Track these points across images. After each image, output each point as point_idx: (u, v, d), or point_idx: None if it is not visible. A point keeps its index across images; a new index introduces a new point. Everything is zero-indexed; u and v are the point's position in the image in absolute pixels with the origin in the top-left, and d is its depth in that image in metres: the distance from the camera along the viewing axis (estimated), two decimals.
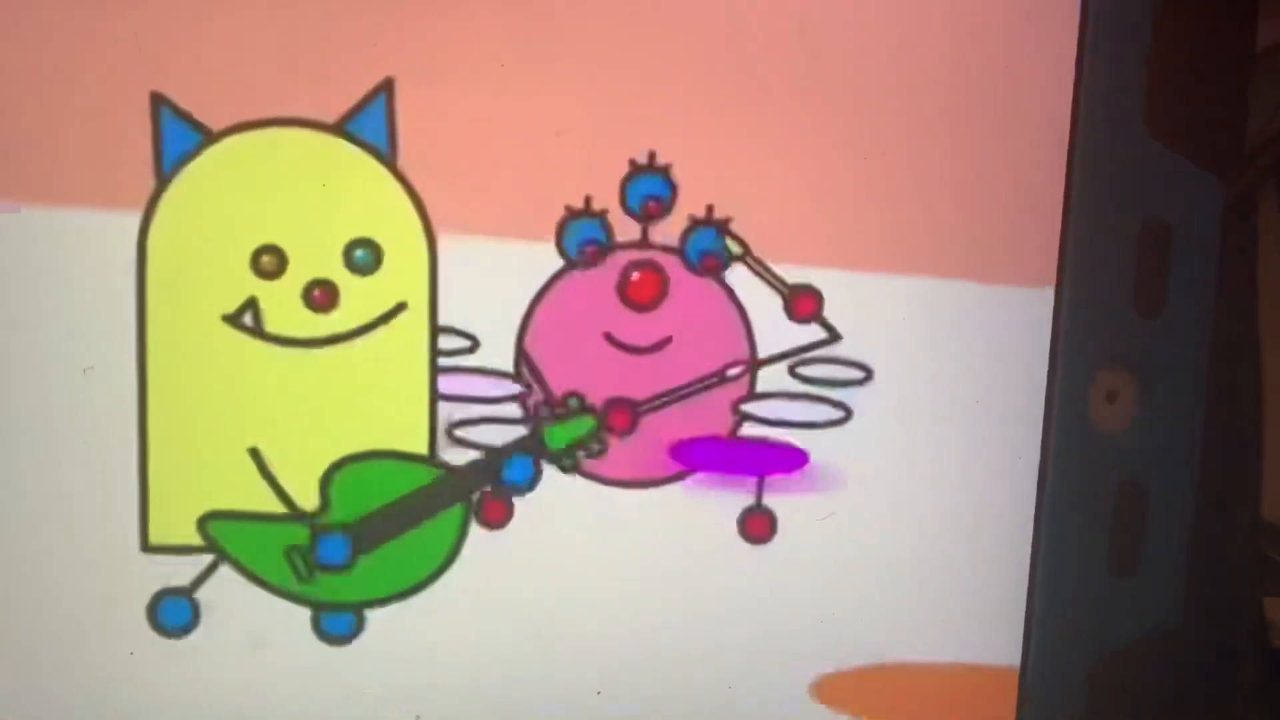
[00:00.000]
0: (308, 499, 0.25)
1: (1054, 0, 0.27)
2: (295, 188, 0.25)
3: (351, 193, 0.25)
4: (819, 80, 0.27)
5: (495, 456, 0.25)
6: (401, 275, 0.25)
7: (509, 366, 0.25)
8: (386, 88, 0.25)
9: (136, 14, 0.24)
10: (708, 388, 0.26)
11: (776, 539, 0.27)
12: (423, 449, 0.25)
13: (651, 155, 0.26)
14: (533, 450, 0.25)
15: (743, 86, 0.26)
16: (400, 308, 0.25)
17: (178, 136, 0.24)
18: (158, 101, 0.24)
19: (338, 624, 0.26)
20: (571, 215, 0.26)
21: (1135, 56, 0.27)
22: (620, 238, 0.26)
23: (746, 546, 0.26)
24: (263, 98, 0.24)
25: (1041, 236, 0.27)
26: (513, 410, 0.25)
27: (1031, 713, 0.28)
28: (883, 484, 0.27)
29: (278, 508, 0.25)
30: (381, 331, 0.25)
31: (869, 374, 0.27)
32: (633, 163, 0.26)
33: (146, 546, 0.25)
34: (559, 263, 0.26)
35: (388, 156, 0.25)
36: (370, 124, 0.24)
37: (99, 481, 0.25)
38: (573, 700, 0.26)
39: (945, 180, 0.27)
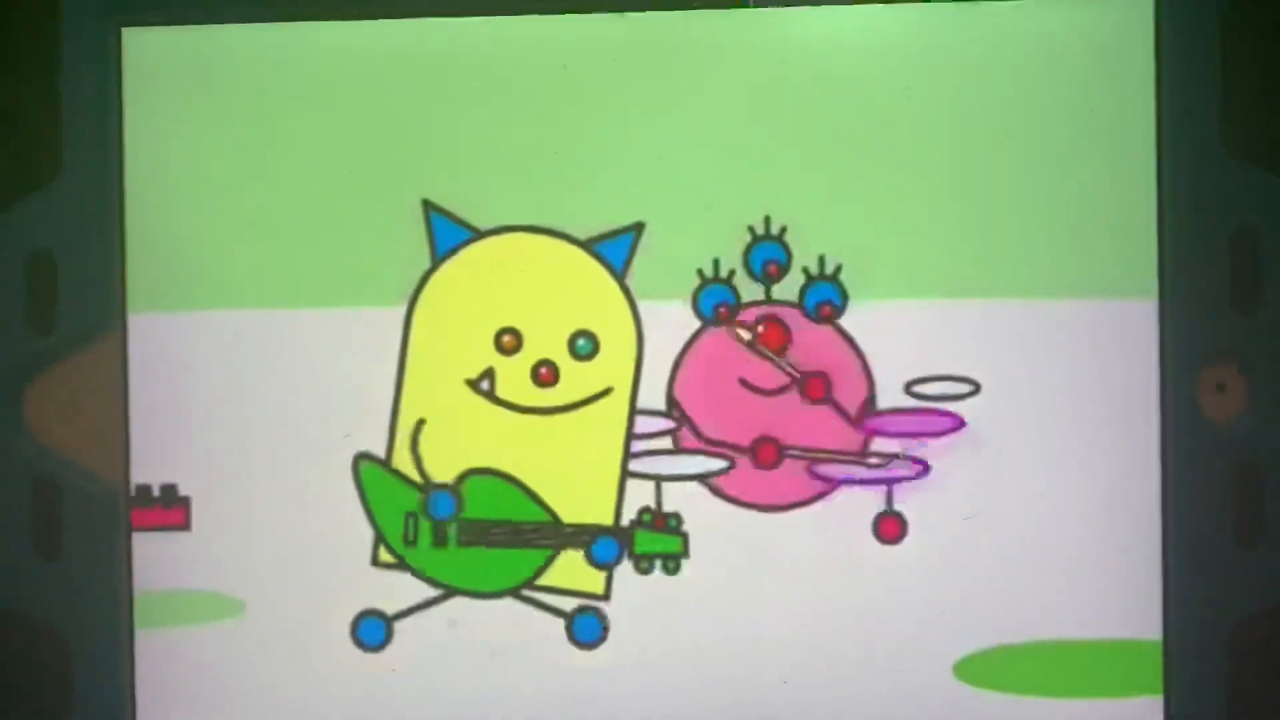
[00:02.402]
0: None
1: (1129, 34, 0.30)
2: (539, 283, 0.31)
3: (585, 295, 0.31)
4: (916, 131, 0.31)
5: (592, 533, 0.31)
6: (612, 364, 0.31)
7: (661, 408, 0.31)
8: (638, 229, 0.31)
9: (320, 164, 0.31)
10: (848, 461, 0.31)
11: (907, 539, 0.31)
12: (613, 487, 0.31)
13: (767, 220, 0.31)
14: (623, 539, 0.31)
15: (845, 144, 0.30)
16: (607, 391, 0.31)
17: (449, 232, 0.31)
18: (427, 207, 0.31)
19: (589, 628, 0.31)
20: (704, 281, 0.31)
21: (1205, 78, 0.30)
22: (746, 297, 0.31)
23: (881, 547, 0.31)
24: (526, 207, 0.31)
25: (1135, 252, 0.30)
26: (666, 444, 0.31)
27: (1177, 679, 0.30)
28: (998, 483, 0.30)
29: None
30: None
31: (977, 387, 0.30)
32: (752, 230, 0.31)
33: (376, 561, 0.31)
34: (696, 323, 0.31)
35: (620, 275, 0.31)
36: (615, 250, 0.31)
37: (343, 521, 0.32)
38: (759, 688, 0.31)
39: (1041, 209, 0.30)
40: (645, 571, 0.31)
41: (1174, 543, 0.30)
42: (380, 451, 0.31)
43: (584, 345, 0.31)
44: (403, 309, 0.31)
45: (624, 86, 0.31)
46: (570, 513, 0.31)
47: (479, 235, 0.31)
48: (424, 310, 0.31)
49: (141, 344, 0.31)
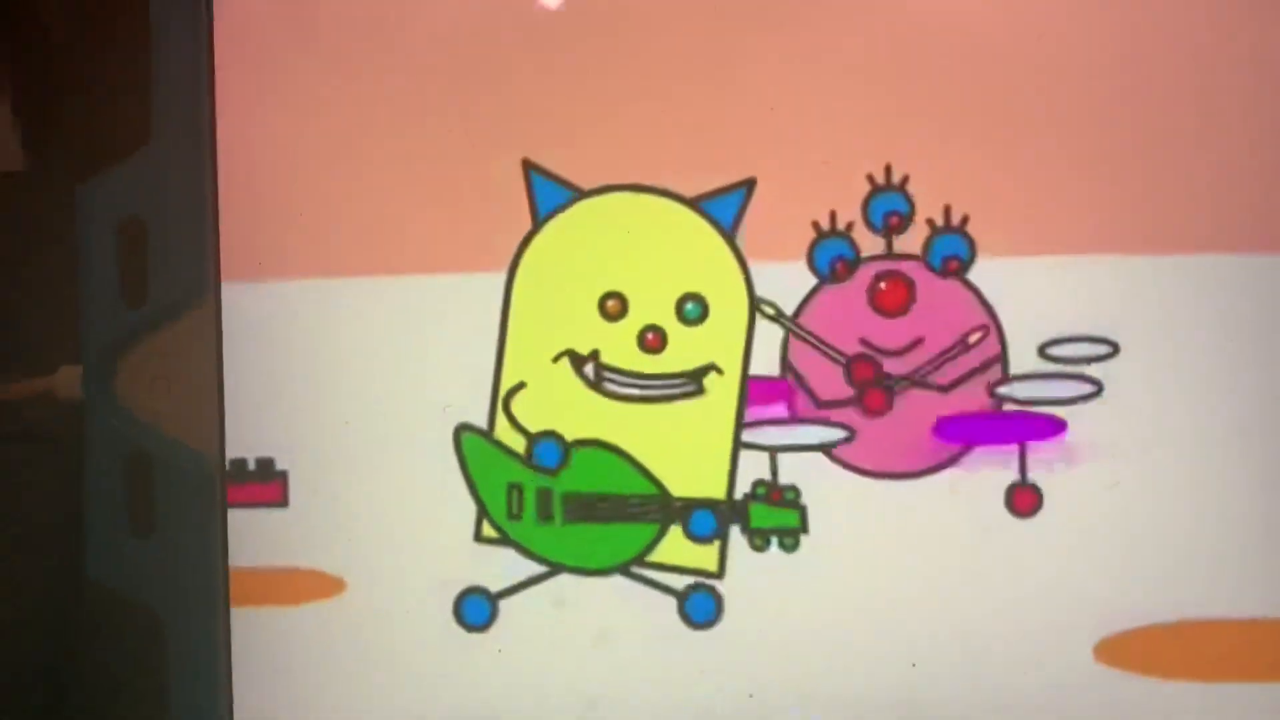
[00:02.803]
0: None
1: None
2: (645, 244, 0.29)
3: (693, 256, 0.29)
4: (1049, 81, 0.29)
5: (689, 506, 0.29)
6: (723, 329, 0.29)
7: (776, 374, 0.29)
8: (748, 185, 0.29)
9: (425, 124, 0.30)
10: (953, 358, 0.28)
11: (1043, 512, 0.28)
12: (724, 469, 0.29)
13: (888, 170, 0.29)
14: (721, 512, 0.29)
15: (972, 93, 0.29)
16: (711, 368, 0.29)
17: (550, 193, 0.29)
18: (528, 167, 0.30)
19: (703, 608, 0.30)
20: (820, 235, 0.29)
21: None
22: (866, 251, 0.29)
23: (1015, 521, 0.29)
24: (630, 165, 0.29)
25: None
26: (780, 412, 0.29)
27: None
28: (1143, 451, 0.28)
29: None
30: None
31: (1115, 348, 0.28)
32: (871, 179, 0.29)
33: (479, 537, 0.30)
34: (812, 280, 0.29)
35: (730, 233, 0.29)
36: (724, 208, 0.29)
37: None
38: (888, 670, 0.29)
39: (1177, 160, 0.28)
40: (761, 548, 0.29)
41: None
42: (482, 423, 0.30)
43: (693, 309, 0.29)
44: (503, 275, 0.30)
45: (734, 37, 0.29)
46: (680, 486, 0.29)
47: (581, 195, 0.29)
48: (525, 275, 0.30)
49: (235, 314, 0.30)
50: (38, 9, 0.34)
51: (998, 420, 0.28)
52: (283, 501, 0.30)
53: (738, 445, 0.29)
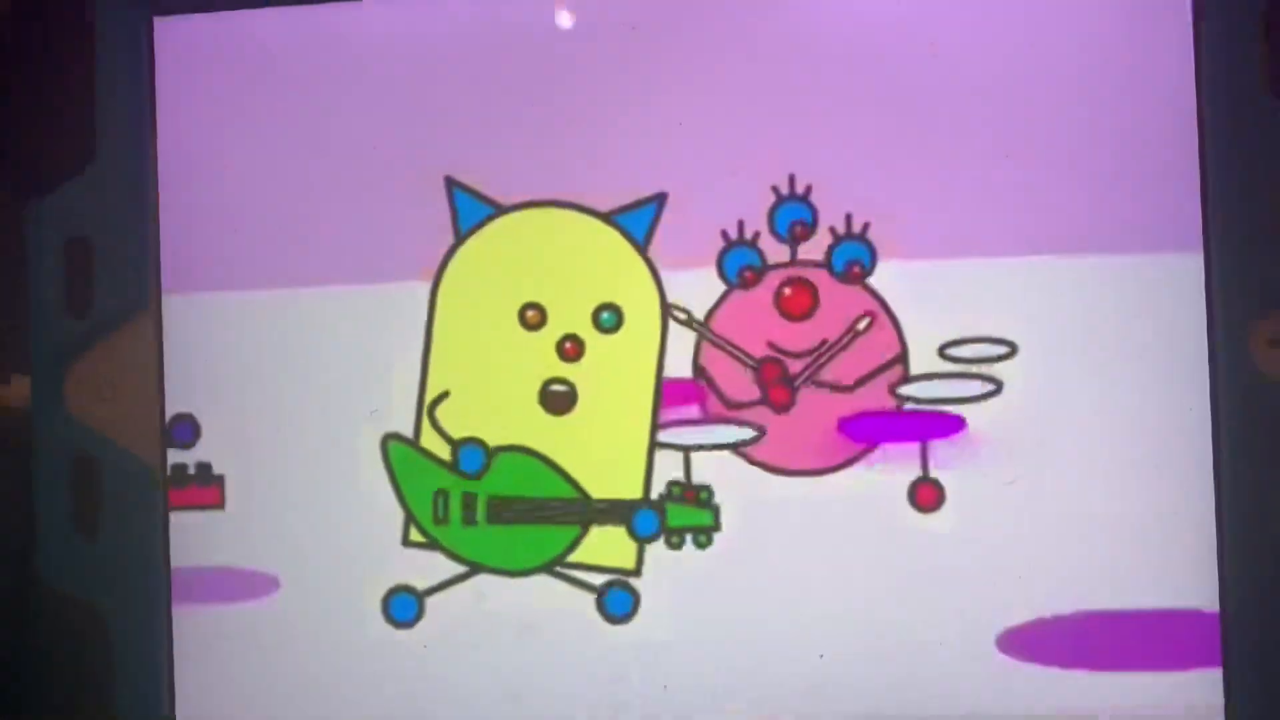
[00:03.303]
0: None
1: None
2: (562, 257, 0.31)
3: (608, 268, 0.30)
4: (944, 87, 0.30)
5: (630, 507, 0.30)
6: (638, 336, 0.30)
7: (688, 376, 0.30)
8: (660, 199, 0.30)
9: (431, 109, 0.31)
10: (845, 346, 0.29)
11: (945, 507, 0.30)
12: (637, 483, 0.30)
13: (791, 180, 0.30)
14: (661, 510, 0.30)
15: (870, 102, 0.30)
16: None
17: (471, 209, 0.31)
18: (450, 183, 0.31)
19: (620, 602, 0.31)
20: (729, 244, 0.30)
21: (1246, 19, 0.28)
22: (772, 258, 0.30)
23: (919, 515, 0.30)
24: (548, 180, 0.31)
25: (1177, 203, 0.29)
26: (694, 413, 0.30)
27: (1238, 651, 0.29)
28: (1041, 447, 0.29)
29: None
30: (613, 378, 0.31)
31: (1014, 349, 0.29)
32: (776, 190, 0.30)
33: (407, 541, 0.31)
34: (721, 286, 0.30)
35: (643, 247, 0.30)
36: (636, 222, 0.30)
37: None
38: (796, 661, 0.30)
39: (1074, 165, 0.29)
40: (677, 546, 0.30)
41: (1229, 506, 0.29)
42: (408, 428, 0.31)
43: (608, 318, 0.30)
44: (429, 285, 0.31)
45: (641, 53, 0.30)
46: (599, 488, 0.30)
47: (501, 210, 0.31)
48: (449, 286, 0.31)
49: (175, 324, 0.32)
50: None
51: (900, 419, 0.30)
52: (220, 504, 0.31)
53: (653, 447, 0.30)
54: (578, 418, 0.30)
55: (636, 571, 0.30)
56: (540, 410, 0.31)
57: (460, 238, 0.31)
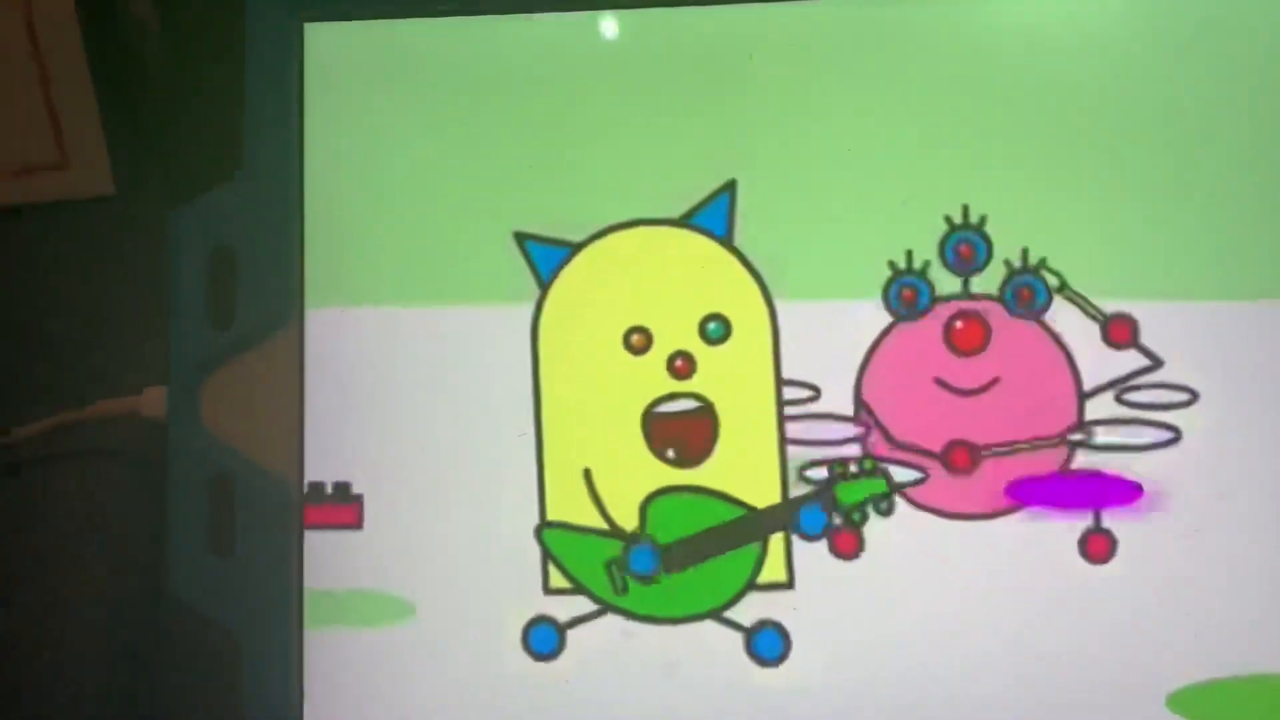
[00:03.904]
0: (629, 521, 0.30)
1: None
2: (652, 275, 0.30)
3: (700, 274, 0.29)
4: (1127, 124, 0.29)
5: (792, 506, 0.29)
6: (749, 342, 0.29)
7: (849, 412, 0.29)
8: (730, 188, 0.29)
9: (497, 163, 0.30)
10: (1042, 448, 0.28)
11: (1116, 559, 0.28)
12: (775, 488, 0.29)
13: (965, 210, 0.29)
14: (827, 503, 0.29)
15: (1049, 136, 0.29)
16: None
17: (546, 256, 0.30)
18: (520, 239, 0.30)
19: (769, 645, 0.30)
20: (896, 274, 0.29)
21: None
22: (942, 290, 0.29)
23: (1088, 567, 0.28)
24: (614, 205, 0.30)
25: None
26: (854, 450, 0.29)
27: None
28: (1221, 499, 0.28)
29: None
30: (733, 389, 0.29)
31: (1194, 395, 0.28)
32: (949, 220, 0.29)
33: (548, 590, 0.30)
34: (888, 318, 0.29)
35: (724, 239, 0.29)
36: (713, 217, 0.29)
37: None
38: (957, 714, 0.29)
39: (1260, 207, 0.28)
40: (861, 522, 0.29)
41: None
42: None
43: (715, 328, 0.29)
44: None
45: (815, 78, 0.29)
46: (757, 498, 0.29)
47: (577, 247, 0.30)
48: (547, 331, 0.30)
49: (319, 339, 0.31)
50: (134, 40, 0.36)
51: (1072, 483, 0.28)
52: (358, 524, 0.30)
53: (784, 450, 0.29)
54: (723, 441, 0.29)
55: (790, 584, 0.29)
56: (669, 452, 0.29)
57: (545, 285, 0.30)
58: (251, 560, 0.31)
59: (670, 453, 0.29)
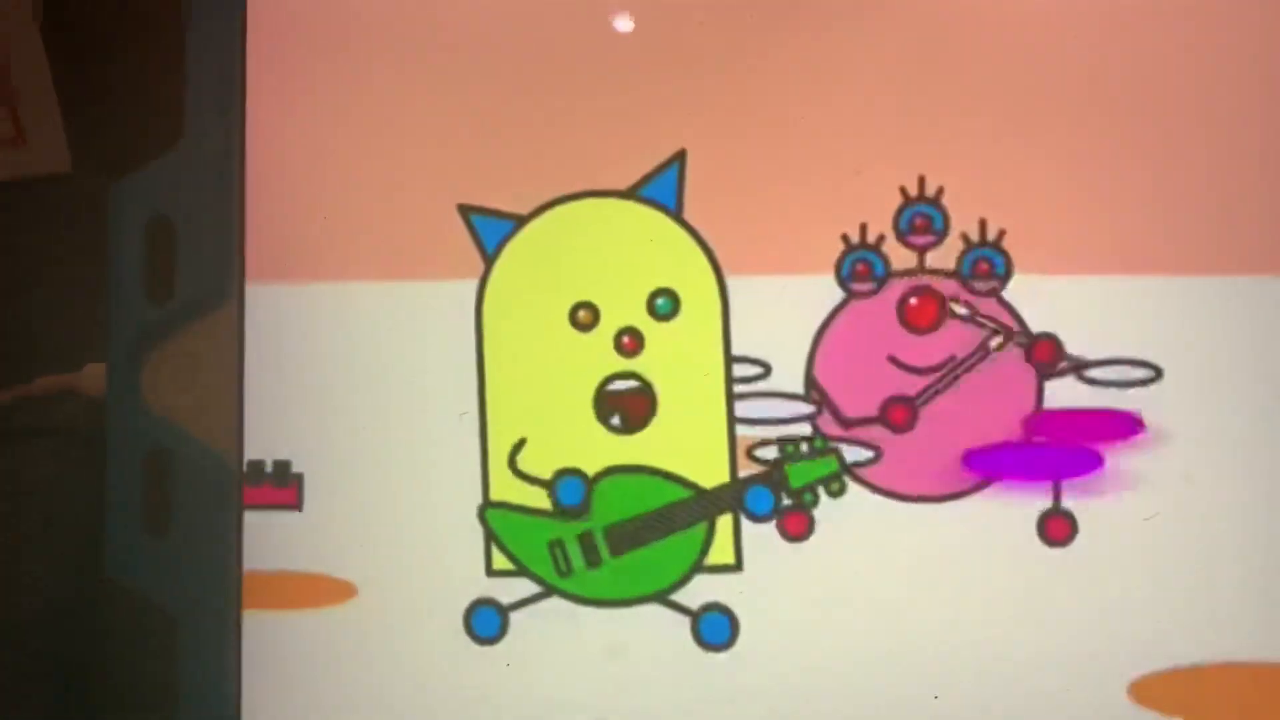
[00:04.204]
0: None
1: None
2: (599, 249, 0.29)
3: (649, 248, 0.28)
4: (1090, 93, 0.27)
5: (740, 486, 0.28)
6: (699, 318, 0.28)
7: (800, 391, 0.28)
8: (679, 158, 0.28)
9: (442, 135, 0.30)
10: (971, 366, 0.27)
11: (1077, 541, 0.27)
12: (723, 468, 0.28)
13: (921, 182, 0.28)
14: (775, 484, 0.28)
15: (1008, 104, 0.28)
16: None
17: (492, 229, 0.29)
18: (465, 211, 0.29)
19: (717, 629, 0.29)
20: (849, 248, 0.28)
21: None
22: (897, 265, 0.28)
23: (1047, 550, 0.27)
24: (561, 178, 0.29)
25: None
26: (804, 429, 0.28)
27: None
28: (1181, 482, 0.27)
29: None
30: (682, 367, 0.29)
31: (1158, 373, 0.27)
32: (904, 191, 0.28)
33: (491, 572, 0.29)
34: (840, 294, 0.28)
35: (674, 212, 0.28)
36: (662, 189, 0.28)
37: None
38: (910, 702, 0.28)
39: (1225, 180, 0.27)
40: (812, 504, 0.28)
41: None
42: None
43: (664, 304, 0.28)
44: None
45: (766, 44, 0.28)
46: (706, 478, 0.28)
47: (523, 220, 0.29)
48: (491, 305, 0.29)
49: (260, 314, 0.30)
50: (89, 12, 0.35)
51: (1030, 452, 0.27)
52: (297, 505, 0.30)
53: (733, 429, 0.28)
54: (660, 415, 0.28)
55: (738, 565, 0.28)
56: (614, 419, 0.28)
57: (490, 258, 0.29)
58: (189, 540, 0.30)
59: (615, 419, 0.28)
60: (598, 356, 0.29)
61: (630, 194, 0.29)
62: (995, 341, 0.27)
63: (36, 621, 0.32)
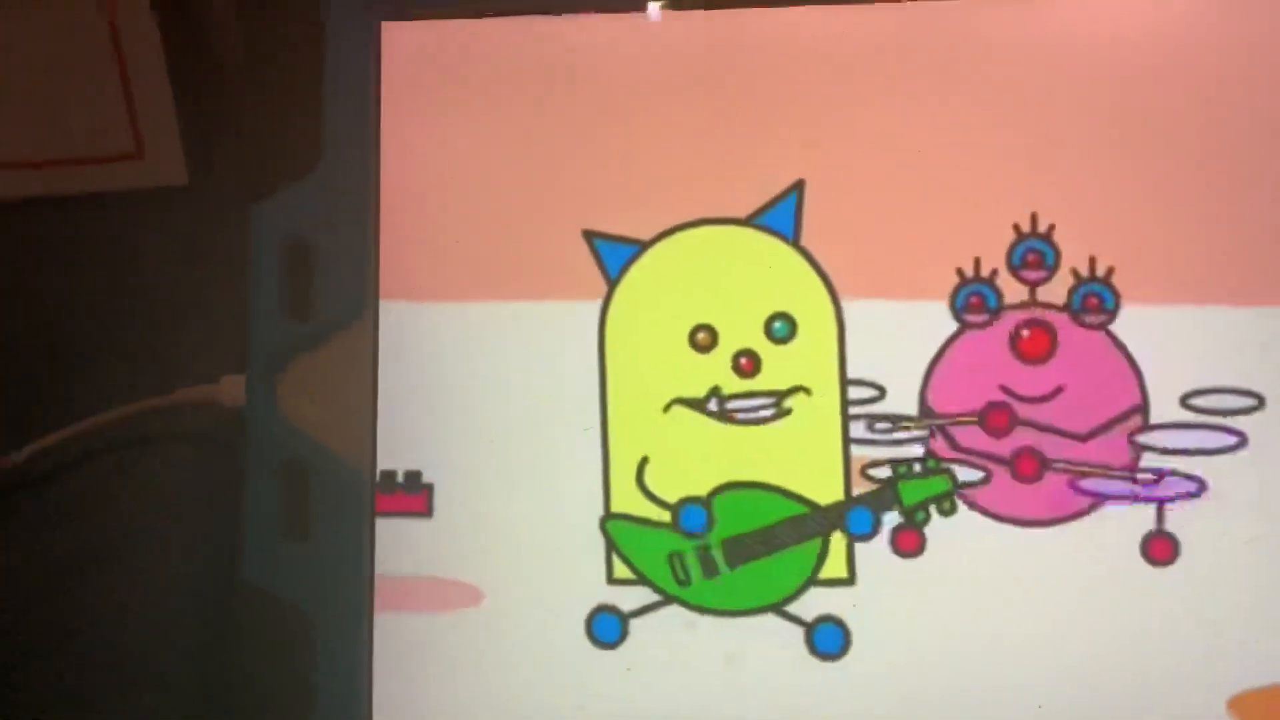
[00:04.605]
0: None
1: None
2: (718, 274, 0.30)
3: (767, 274, 0.30)
4: (1196, 129, 0.29)
5: (844, 506, 0.29)
6: (815, 340, 0.30)
7: (913, 414, 0.30)
8: (798, 188, 0.30)
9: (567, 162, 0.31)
10: (1111, 476, 0.29)
11: (1179, 561, 0.28)
12: (838, 486, 0.30)
13: (1034, 219, 0.29)
14: (880, 504, 0.29)
15: (1119, 141, 0.29)
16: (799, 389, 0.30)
17: (615, 253, 0.30)
18: (589, 236, 0.31)
19: (830, 639, 0.30)
20: (964, 281, 0.29)
21: None
22: (1009, 299, 0.29)
23: (1151, 570, 0.29)
24: (682, 206, 0.31)
25: None
26: (917, 451, 0.29)
27: None
28: None
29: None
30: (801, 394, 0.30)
31: (1260, 401, 0.28)
32: (1017, 228, 0.29)
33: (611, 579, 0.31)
34: (954, 324, 0.29)
35: (792, 240, 0.30)
36: (780, 217, 0.30)
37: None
38: (1013, 712, 0.29)
39: None
40: (924, 522, 0.29)
41: None
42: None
43: (781, 327, 0.30)
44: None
45: (885, 79, 0.30)
46: (821, 495, 0.30)
47: (645, 245, 0.31)
48: (614, 327, 0.31)
49: (392, 332, 0.32)
50: (211, 33, 0.36)
51: (1134, 476, 0.29)
52: (427, 513, 0.31)
53: (848, 450, 0.29)
54: (770, 436, 0.30)
55: (851, 580, 0.29)
56: (733, 442, 0.30)
57: (613, 282, 0.30)
58: (324, 545, 0.31)
59: None
60: (716, 376, 0.30)
61: (748, 222, 0.30)
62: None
63: (178, 624, 0.34)
